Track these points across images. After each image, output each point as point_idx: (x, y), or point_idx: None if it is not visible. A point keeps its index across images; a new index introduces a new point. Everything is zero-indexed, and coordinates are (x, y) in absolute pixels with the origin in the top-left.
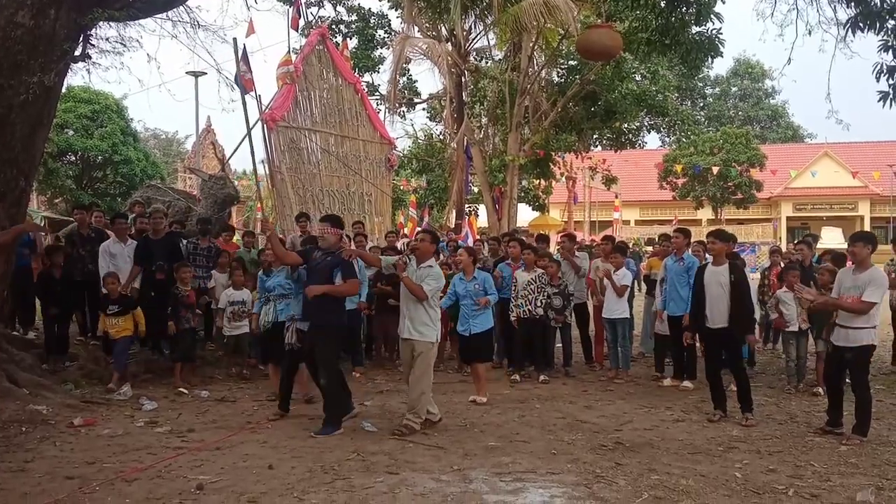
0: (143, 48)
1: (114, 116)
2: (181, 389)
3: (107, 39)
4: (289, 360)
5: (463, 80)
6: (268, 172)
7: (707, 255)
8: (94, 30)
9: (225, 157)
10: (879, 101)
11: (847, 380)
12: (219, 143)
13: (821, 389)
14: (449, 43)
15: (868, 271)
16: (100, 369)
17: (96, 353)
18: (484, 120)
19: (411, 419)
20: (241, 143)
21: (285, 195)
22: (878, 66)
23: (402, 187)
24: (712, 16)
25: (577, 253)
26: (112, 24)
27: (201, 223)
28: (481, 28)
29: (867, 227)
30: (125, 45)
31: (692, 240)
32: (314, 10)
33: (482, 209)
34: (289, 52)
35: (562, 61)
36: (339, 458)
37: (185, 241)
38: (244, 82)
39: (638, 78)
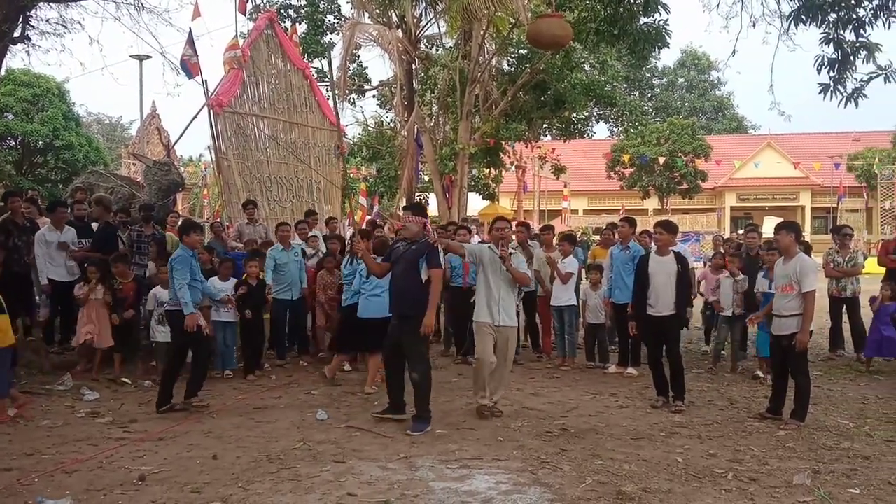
0: (85, 30)
1: (55, 100)
2: (123, 380)
3: (47, 21)
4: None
5: (413, 67)
6: (214, 159)
7: (652, 244)
8: (33, 11)
9: (170, 143)
10: (820, 93)
11: None
12: (164, 129)
13: (759, 373)
14: (399, 30)
15: (794, 260)
16: (39, 359)
17: (36, 344)
18: (434, 108)
19: (496, 402)
20: (186, 129)
21: (232, 182)
22: (820, 59)
23: (351, 175)
24: (659, 6)
25: (529, 241)
26: (52, 5)
27: (144, 209)
28: (432, 15)
29: (808, 217)
30: (66, 27)
31: (637, 229)
32: None
33: (432, 198)
34: (236, 36)
35: (512, 50)
36: (284, 447)
37: (128, 229)
38: (190, 66)
39: (587, 68)
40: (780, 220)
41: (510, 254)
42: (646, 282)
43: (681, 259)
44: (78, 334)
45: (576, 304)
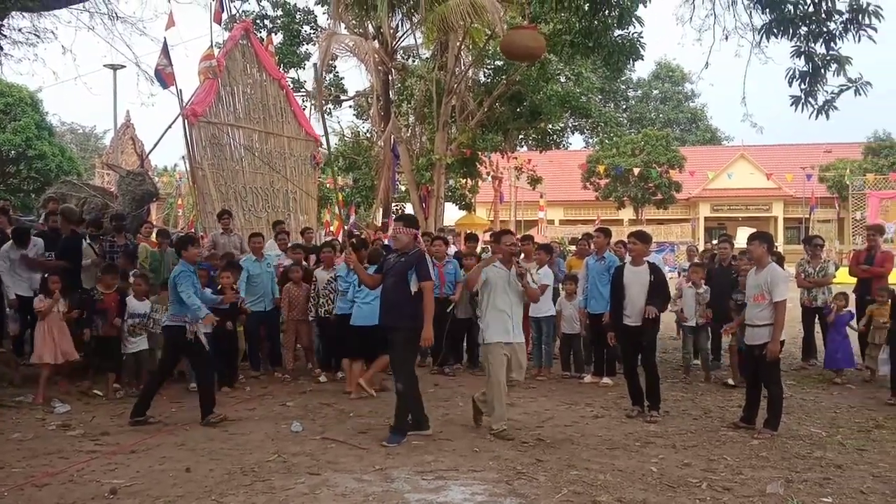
0: (58, 40)
1: (28, 110)
2: (95, 392)
3: (19, 30)
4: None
5: (390, 78)
6: (189, 169)
7: (627, 255)
8: (5, 20)
9: (144, 153)
10: (792, 104)
11: None
12: (138, 139)
13: (730, 381)
14: (376, 41)
15: (765, 270)
16: (10, 372)
17: (6, 356)
18: (411, 119)
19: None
20: (160, 139)
21: (207, 192)
22: (791, 72)
23: (328, 185)
24: (634, 19)
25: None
26: (25, 14)
27: (115, 220)
28: (408, 26)
29: (780, 228)
30: (39, 37)
31: (612, 240)
32: (238, 3)
33: (409, 208)
34: (211, 46)
35: (488, 61)
36: (259, 459)
37: (101, 240)
38: (164, 76)
39: (562, 80)
40: (754, 230)
41: (527, 270)
42: (621, 292)
43: (654, 269)
44: (36, 352)
45: (554, 314)
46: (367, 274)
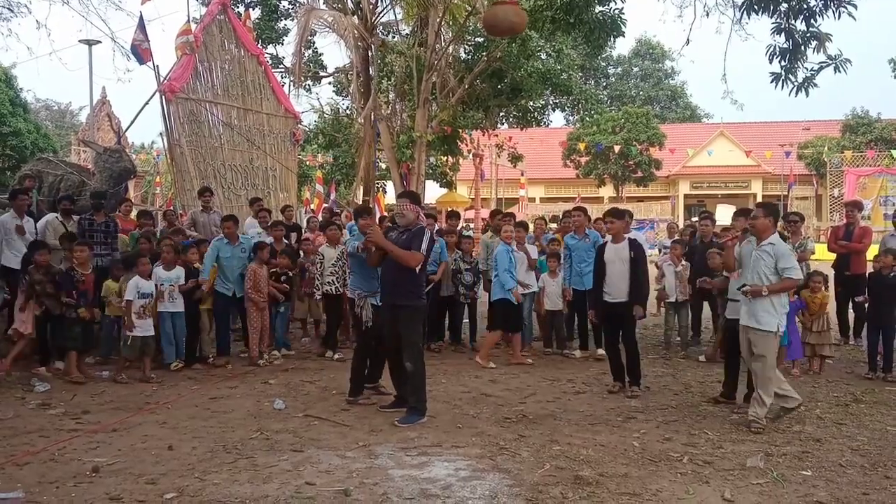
0: (32, 14)
1: (1, 86)
2: (76, 380)
3: None
4: (362, 340)
5: (370, 54)
6: (167, 146)
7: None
8: None
9: (121, 130)
10: (772, 82)
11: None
12: (115, 115)
13: (702, 357)
14: (355, 16)
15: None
16: None
17: None
18: (391, 95)
19: None
20: (138, 115)
21: (185, 169)
22: (772, 49)
23: (307, 163)
24: None
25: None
26: None
27: (94, 197)
28: (388, 2)
29: None
30: (12, 11)
31: (594, 216)
32: None
33: (390, 186)
34: (188, 21)
35: (469, 38)
36: (241, 437)
37: (77, 217)
38: (141, 52)
39: (543, 56)
40: (733, 207)
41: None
42: (603, 269)
43: (635, 246)
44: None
45: (536, 290)
46: (390, 244)
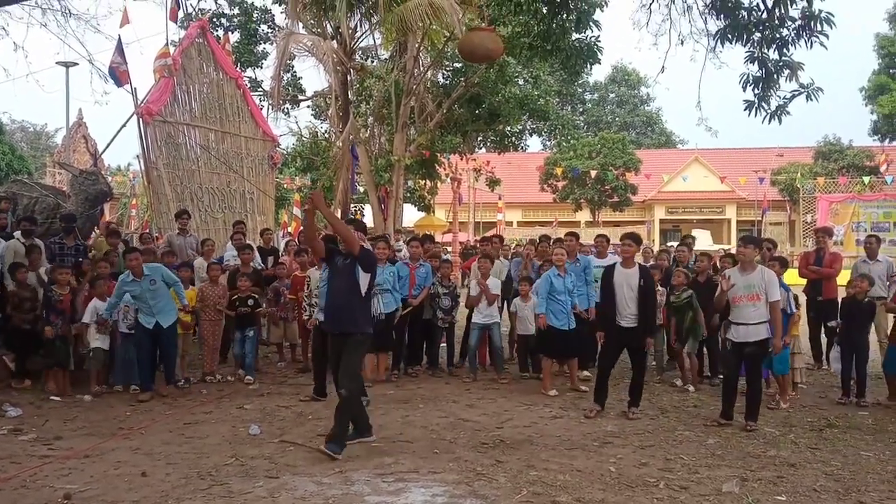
0: (10, 36)
1: None
2: (53, 397)
3: None
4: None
5: (349, 78)
6: (143, 168)
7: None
8: None
9: (97, 152)
10: (745, 109)
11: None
12: (91, 137)
13: (678, 381)
14: (334, 41)
15: (756, 272)
16: None
17: None
18: (370, 119)
19: None
20: (114, 138)
21: (162, 192)
22: (745, 77)
23: (285, 185)
24: (591, 23)
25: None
26: None
27: (65, 220)
28: (367, 27)
29: (734, 230)
30: None
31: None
32: (194, 1)
33: (368, 209)
34: (167, 44)
35: (447, 63)
36: (216, 463)
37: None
38: (118, 74)
39: (521, 82)
40: (708, 232)
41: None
42: (612, 293)
43: (645, 274)
44: None
45: (498, 321)
46: (330, 212)
